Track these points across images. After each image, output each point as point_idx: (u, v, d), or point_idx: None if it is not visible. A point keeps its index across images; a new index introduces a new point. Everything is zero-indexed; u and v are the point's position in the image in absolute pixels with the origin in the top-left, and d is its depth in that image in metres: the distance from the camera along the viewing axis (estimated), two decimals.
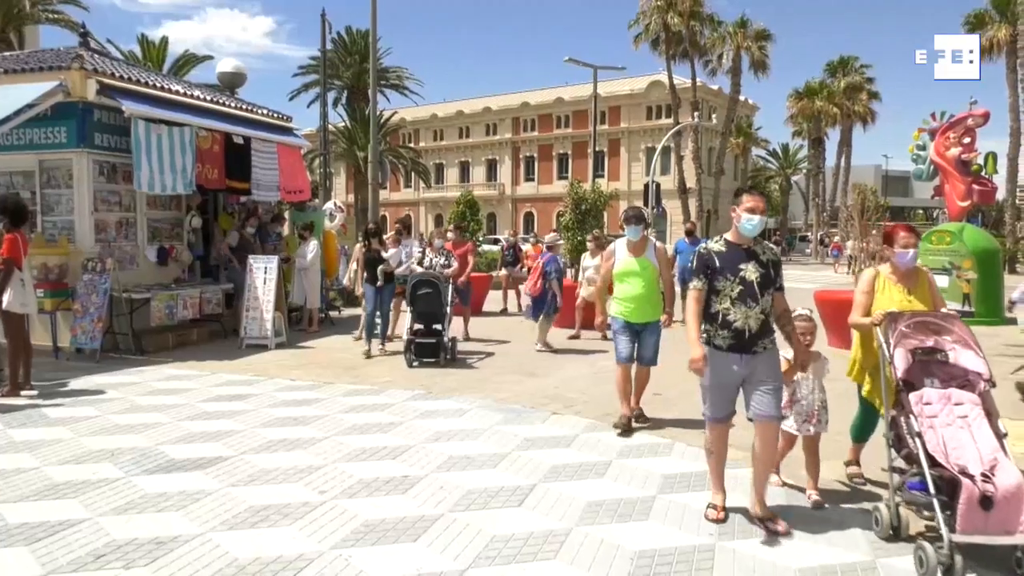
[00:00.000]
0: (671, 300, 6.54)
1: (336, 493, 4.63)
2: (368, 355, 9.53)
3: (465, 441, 5.80)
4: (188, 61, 33.21)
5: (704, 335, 4.16)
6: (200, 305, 10.49)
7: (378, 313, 9.92)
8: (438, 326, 9.06)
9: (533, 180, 60.89)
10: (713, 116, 51.11)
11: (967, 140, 14.90)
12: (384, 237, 10.55)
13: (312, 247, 12.00)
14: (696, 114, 41.43)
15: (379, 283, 9.74)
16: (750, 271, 4.07)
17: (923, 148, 15.60)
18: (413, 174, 49.75)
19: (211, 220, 12.23)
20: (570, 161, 57.95)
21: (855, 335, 4.84)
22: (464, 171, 64.81)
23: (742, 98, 48.90)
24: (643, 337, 6.41)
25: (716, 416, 4.26)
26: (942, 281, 13.91)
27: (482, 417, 6.57)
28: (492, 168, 63.44)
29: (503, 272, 15.67)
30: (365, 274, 9.84)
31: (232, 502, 4.46)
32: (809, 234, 53.45)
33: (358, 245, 10.47)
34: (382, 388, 7.78)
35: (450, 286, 9.25)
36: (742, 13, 44.51)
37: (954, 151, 14.89)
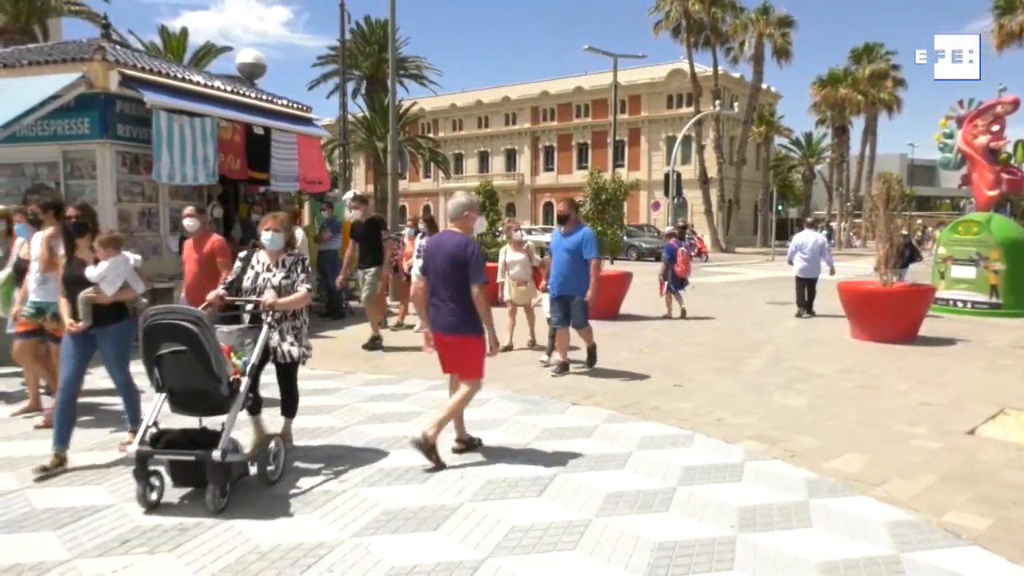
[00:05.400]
0: None
1: (356, 482, 4.66)
2: (45, 469, 4.72)
3: (484, 431, 5.80)
4: (208, 52, 33.38)
5: None
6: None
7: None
8: (213, 422, 4.44)
9: (552, 170, 60.69)
10: (735, 105, 50.57)
11: (996, 128, 14.65)
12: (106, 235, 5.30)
13: (297, 236, 11.27)
14: (717, 103, 41.07)
15: (85, 323, 4.91)
16: None
17: (950, 136, 15.35)
18: (432, 164, 49.77)
19: (232, 210, 12.31)
20: (589, 151, 57.67)
21: None
22: (483, 161, 64.72)
23: (764, 86, 48.41)
24: None
25: None
26: (969, 272, 13.72)
27: (501, 407, 6.57)
28: (511, 158, 63.30)
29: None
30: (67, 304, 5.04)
31: (253, 490, 4.50)
32: (833, 224, 52.82)
33: (41, 245, 5.87)
34: (402, 377, 7.80)
35: (265, 331, 4.76)
36: None
37: (982, 139, 14.64)
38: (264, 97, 12.71)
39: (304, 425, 5.93)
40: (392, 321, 11.53)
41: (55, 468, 4.73)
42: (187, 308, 4.50)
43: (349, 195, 14.96)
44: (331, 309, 12.37)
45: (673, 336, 10.85)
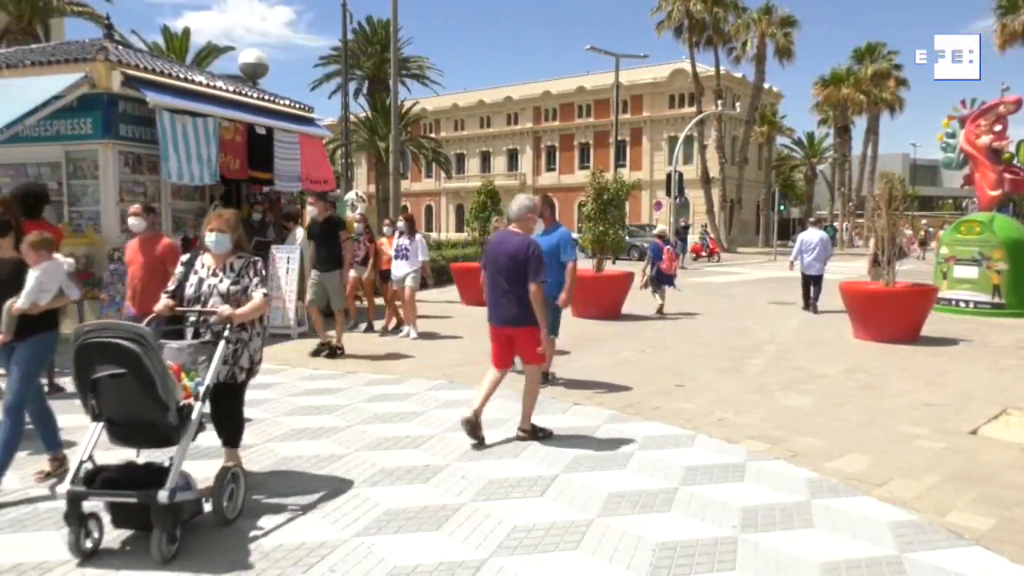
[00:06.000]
0: None
1: (358, 482, 4.66)
2: (48, 475, 4.68)
3: (487, 431, 5.78)
4: (210, 52, 33.41)
5: None
6: None
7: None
8: (161, 457, 3.89)
9: (554, 170, 60.69)
10: (737, 104, 50.52)
11: (998, 128, 14.63)
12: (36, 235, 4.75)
13: (297, 236, 11.12)
14: (719, 102, 41.04)
15: (6, 336, 4.47)
16: None
17: (952, 136, 15.34)
18: (434, 164, 49.77)
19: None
20: (591, 151, 57.65)
21: None
22: (485, 161, 64.73)
23: (766, 86, 48.36)
24: None
25: None
26: (971, 272, 13.70)
27: (503, 407, 6.55)
28: (513, 158, 63.31)
29: (352, 274, 10.39)
30: None
31: (256, 489, 4.50)
32: (835, 224, 52.77)
33: None
34: (404, 377, 7.81)
35: (221, 348, 4.10)
36: None
37: (985, 139, 14.63)
38: (266, 97, 12.71)
39: (307, 425, 5.94)
40: (378, 325, 11.23)
41: (56, 472, 4.67)
42: (126, 324, 3.80)
43: (351, 195, 14.99)
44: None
45: (675, 336, 10.85)
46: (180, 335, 4.32)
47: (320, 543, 3.76)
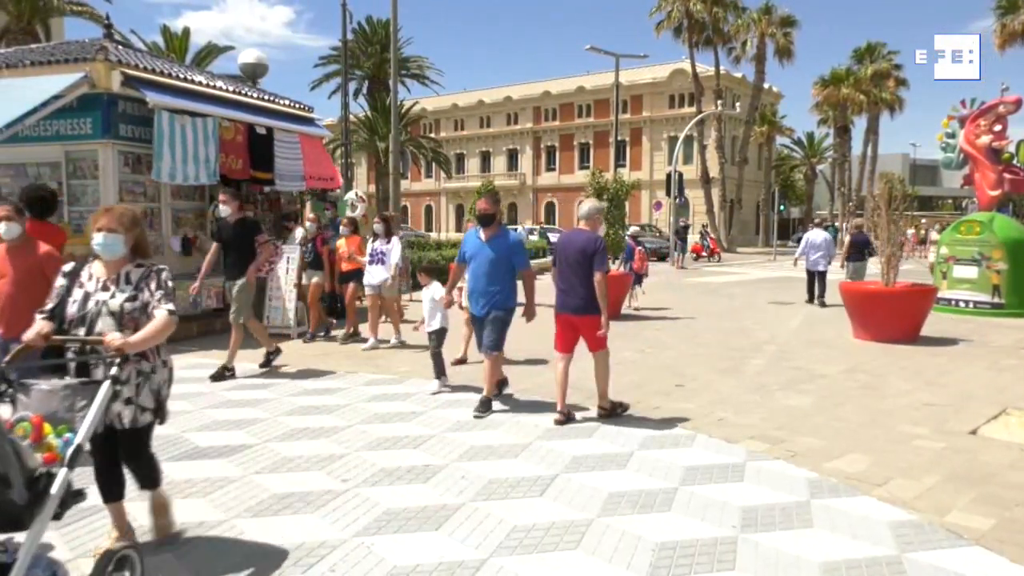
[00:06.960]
0: None
1: (358, 481, 4.66)
2: None
3: (486, 431, 5.81)
4: (210, 52, 33.47)
5: None
6: (224, 294, 10.54)
7: None
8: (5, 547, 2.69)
9: (554, 170, 60.70)
10: (736, 104, 50.55)
11: (998, 128, 14.63)
12: None
13: (297, 236, 10.96)
14: (719, 102, 41.07)
15: None
16: None
17: (952, 136, 15.34)
18: (434, 164, 49.81)
19: None
20: (591, 151, 57.68)
21: None
22: (485, 161, 64.73)
23: (766, 86, 48.40)
24: None
25: None
26: (971, 272, 13.70)
27: (504, 407, 6.57)
28: (513, 158, 63.32)
29: (314, 280, 10.52)
30: None
31: (256, 489, 4.50)
32: (836, 224, 52.82)
33: None
34: (403, 377, 7.81)
35: (104, 390, 3.02)
36: None
37: (984, 139, 14.63)
38: (266, 97, 12.72)
39: (307, 425, 5.95)
40: (340, 333, 10.50)
41: None
42: None
43: (351, 195, 14.98)
44: (331, 310, 12.32)
45: (675, 336, 10.85)
46: (64, 369, 3.33)
47: (320, 543, 3.76)
